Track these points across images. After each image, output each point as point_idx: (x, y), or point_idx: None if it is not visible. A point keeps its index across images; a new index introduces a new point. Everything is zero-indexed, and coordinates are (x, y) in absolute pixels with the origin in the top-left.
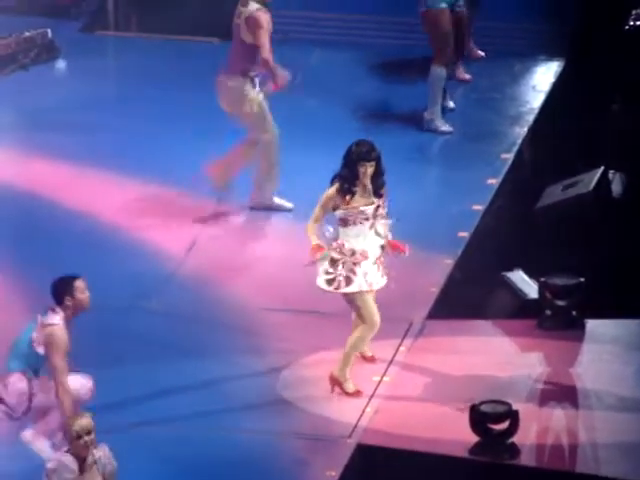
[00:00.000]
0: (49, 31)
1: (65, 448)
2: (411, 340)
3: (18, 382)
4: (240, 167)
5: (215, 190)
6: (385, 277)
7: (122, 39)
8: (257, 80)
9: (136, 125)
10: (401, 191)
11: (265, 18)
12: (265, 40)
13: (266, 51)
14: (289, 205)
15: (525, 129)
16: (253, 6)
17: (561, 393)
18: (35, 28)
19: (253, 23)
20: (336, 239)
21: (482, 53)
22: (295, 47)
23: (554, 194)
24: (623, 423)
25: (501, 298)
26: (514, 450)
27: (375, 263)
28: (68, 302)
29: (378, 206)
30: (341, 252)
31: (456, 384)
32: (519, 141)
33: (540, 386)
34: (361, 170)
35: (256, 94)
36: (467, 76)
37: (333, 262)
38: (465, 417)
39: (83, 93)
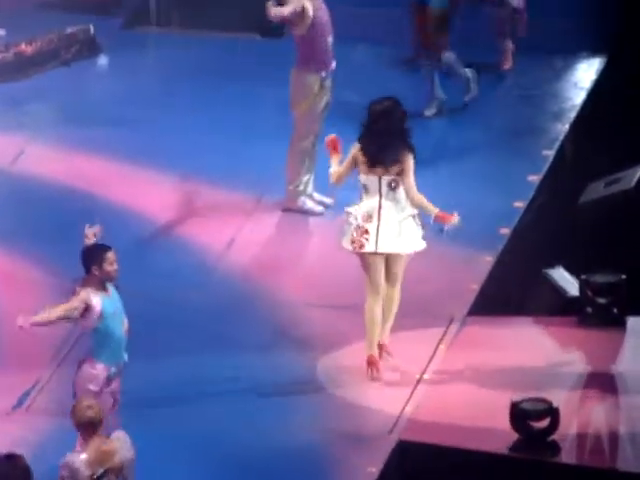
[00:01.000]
0: (91, 27)
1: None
2: (452, 336)
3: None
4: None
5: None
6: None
7: (163, 36)
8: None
9: (178, 121)
10: (442, 187)
11: None
12: None
13: None
14: (328, 200)
15: (567, 126)
16: None
17: (602, 390)
18: (77, 24)
19: None
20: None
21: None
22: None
23: (596, 191)
24: None
25: (542, 295)
26: (555, 448)
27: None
28: (95, 271)
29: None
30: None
31: (497, 380)
32: (561, 137)
33: (581, 383)
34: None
35: None
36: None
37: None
38: (506, 414)
39: (124, 89)
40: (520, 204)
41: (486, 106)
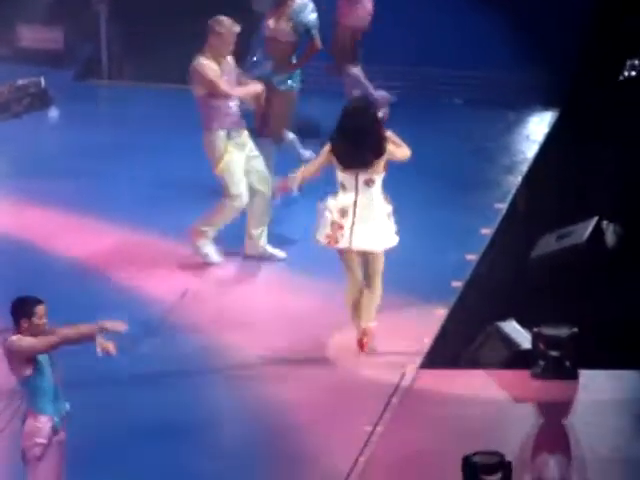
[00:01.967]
0: (42, 79)
1: None
2: (404, 390)
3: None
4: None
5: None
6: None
7: (114, 88)
8: None
9: (128, 173)
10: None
11: None
12: None
13: None
14: (282, 254)
15: (519, 179)
16: None
17: (554, 444)
18: (28, 77)
19: None
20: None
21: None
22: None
23: (548, 244)
24: (617, 474)
25: (494, 348)
26: None
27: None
28: (24, 324)
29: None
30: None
31: (448, 434)
32: (513, 191)
33: (533, 437)
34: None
35: None
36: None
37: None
38: (458, 468)
39: (75, 141)
40: (472, 257)
41: (438, 159)
